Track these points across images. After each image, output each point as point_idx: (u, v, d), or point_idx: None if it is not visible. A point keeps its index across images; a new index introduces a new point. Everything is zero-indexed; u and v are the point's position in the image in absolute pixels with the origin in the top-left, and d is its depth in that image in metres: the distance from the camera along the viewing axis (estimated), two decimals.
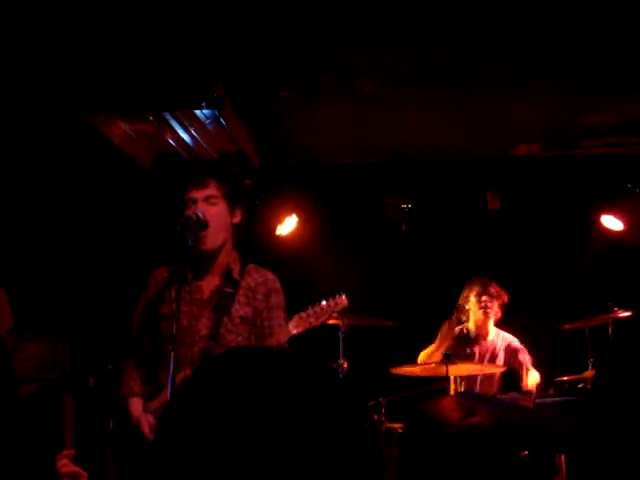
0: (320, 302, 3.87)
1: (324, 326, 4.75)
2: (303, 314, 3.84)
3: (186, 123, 5.78)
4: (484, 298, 6.06)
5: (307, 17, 4.70)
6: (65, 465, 2.19)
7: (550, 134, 6.55)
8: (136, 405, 3.80)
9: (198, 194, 3.74)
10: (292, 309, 3.96)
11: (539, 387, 5.72)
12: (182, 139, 6.07)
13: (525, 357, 5.94)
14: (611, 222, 6.70)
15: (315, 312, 3.86)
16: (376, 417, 5.44)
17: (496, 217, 7.03)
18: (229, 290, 3.81)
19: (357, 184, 7.14)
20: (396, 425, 5.39)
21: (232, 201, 3.84)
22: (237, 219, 3.87)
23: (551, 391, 5.46)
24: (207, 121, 5.72)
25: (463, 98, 5.82)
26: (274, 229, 7.10)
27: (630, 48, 5.00)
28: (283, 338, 3.81)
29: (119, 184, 6.39)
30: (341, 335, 5.50)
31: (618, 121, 6.21)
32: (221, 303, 3.79)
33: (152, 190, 6.60)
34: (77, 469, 2.21)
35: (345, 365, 5.43)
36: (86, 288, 6.22)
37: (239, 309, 3.80)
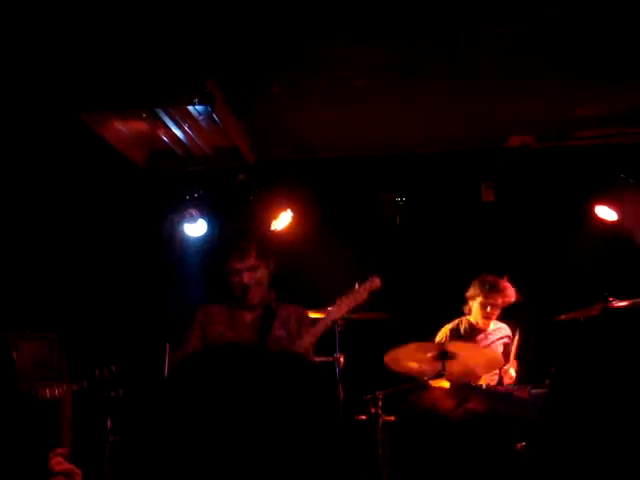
0: (354, 287, 4.73)
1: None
2: (343, 297, 4.69)
3: (179, 120, 5.78)
4: (488, 310, 6.09)
5: (299, 12, 4.69)
6: (59, 463, 2.18)
7: (543, 125, 6.56)
8: None
9: (242, 265, 4.49)
10: (288, 302, 4.23)
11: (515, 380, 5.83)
12: (175, 136, 6.07)
13: (511, 348, 6.02)
14: (605, 212, 6.70)
15: (353, 295, 4.71)
16: (373, 410, 5.44)
17: (490, 209, 7.04)
18: (268, 318, 4.58)
19: (351, 178, 7.14)
20: (393, 418, 5.40)
21: (267, 259, 4.60)
22: (271, 267, 4.63)
23: (547, 382, 5.47)
24: (200, 117, 5.72)
25: (456, 90, 5.82)
26: (269, 224, 7.10)
27: (621, 39, 5.01)
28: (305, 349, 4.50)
29: (113, 182, 6.39)
30: (337, 329, 5.51)
31: (611, 112, 6.22)
32: (263, 327, 4.54)
33: (146, 187, 6.60)
34: (71, 466, 2.21)
35: (342, 359, 5.44)
36: (81, 286, 6.22)
37: (275, 331, 4.55)
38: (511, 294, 6.07)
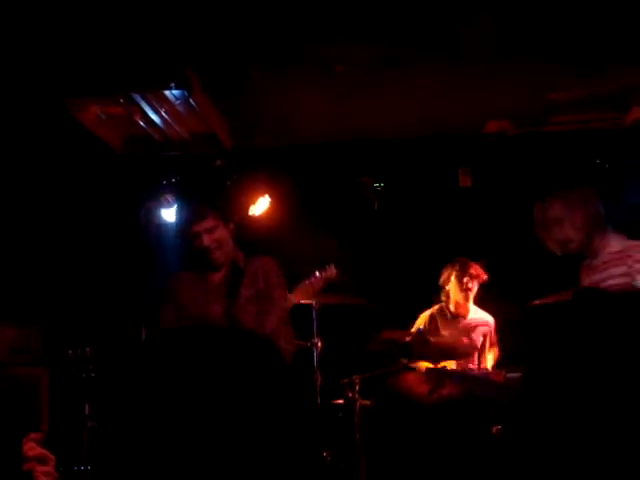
0: (314, 273, 4.83)
1: (297, 305, 4.80)
2: (301, 287, 4.76)
3: (156, 105, 5.76)
4: (465, 279, 6.11)
5: None
6: (32, 448, 2.17)
7: (520, 111, 6.58)
8: None
9: (199, 227, 4.43)
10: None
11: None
12: (153, 121, 6.04)
13: (491, 337, 6.06)
14: None
15: (311, 283, 4.81)
16: (350, 395, 5.47)
17: (467, 194, 7.06)
18: (236, 278, 4.51)
19: (329, 164, 7.14)
20: (369, 402, 5.42)
21: (226, 220, 4.56)
22: (232, 227, 4.59)
23: (523, 366, 5.51)
24: (177, 102, 5.70)
25: (434, 76, 5.83)
26: (247, 210, 7.09)
27: (597, 24, 5.03)
28: (277, 316, 4.49)
29: (90, 167, 6.36)
30: (315, 314, 5.52)
31: (587, 97, 6.25)
32: (231, 289, 4.47)
33: (123, 173, 6.58)
34: (44, 452, 2.19)
35: (319, 344, 5.46)
36: (59, 271, 6.20)
37: (244, 292, 4.48)
38: (482, 272, 6.14)
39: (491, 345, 6.08)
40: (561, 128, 6.70)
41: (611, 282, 3.90)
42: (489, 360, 5.99)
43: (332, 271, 4.87)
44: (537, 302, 5.76)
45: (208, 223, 4.47)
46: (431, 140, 6.98)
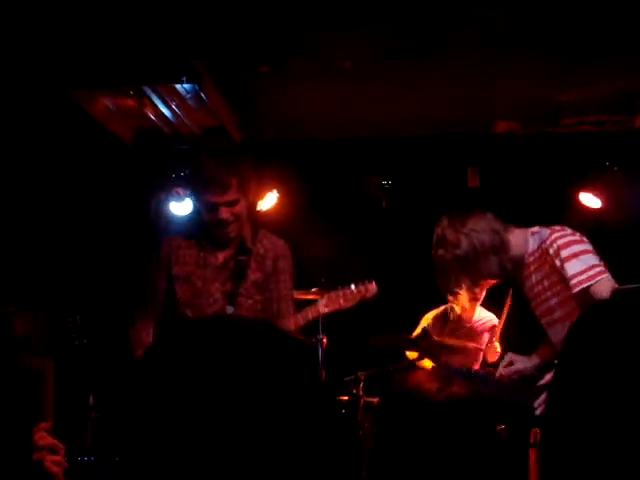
0: (349, 286, 4.24)
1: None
2: (333, 294, 4.20)
3: (167, 98, 5.76)
4: (477, 290, 6.09)
5: None
6: (42, 438, 2.19)
7: (529, 111, 6.57)
8: None
9: (220, 199, 3.93)
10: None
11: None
12: (163, 114, 6.05)
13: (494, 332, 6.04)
14: (589, 200, 6.73)
15: (345, 294, 4.24)
16: (355, 391, 5.47)
17: (476, 194, 7.05)
18: (243, 258, 4.05)
19: (338, 160, 7.14)
20: (375, 399, 5.43)
21: (248, 191, 4.07)
22: (251, 199, 4.19)
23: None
24: (188, 96, 5.70)
25: (444, 75, 5.83)
26: (255, 204, 7.10)
27: (608, 25, 5.02)
28: (286, 307, 4.13)
29: (100, 159, 6.37)
30: None
31: (597, 98, 6.25)
32: (237, 270, 4.03)
33: (133, 165, 6.59)
34: (54, 441, 2.21)
35: (324, 340, 5.46)
36: (67, 262, 6.21)
37: (251, 275, 4.05)
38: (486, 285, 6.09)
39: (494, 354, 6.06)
40: (570, 129, 6.69)
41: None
42: (495, 347, 5.94)
43: (372, 289, 4.33)
44: None
45: (230, 196, 3.96)
46: (441, 138, 6.97)
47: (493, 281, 6.10)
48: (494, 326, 6.14)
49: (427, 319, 6.22)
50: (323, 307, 4.16)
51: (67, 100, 5.57)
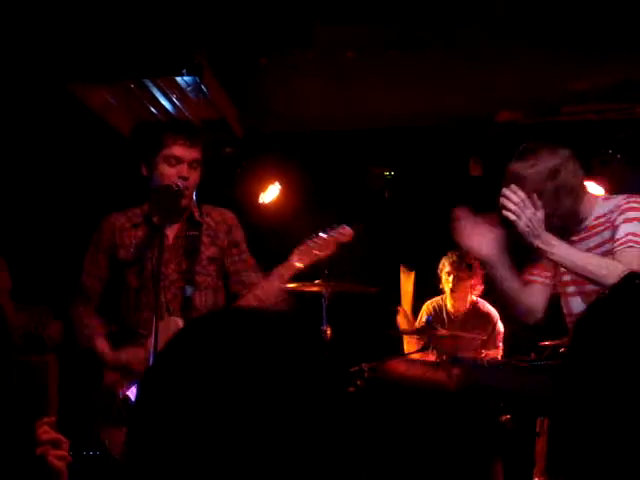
0: (319, 234, 3.79)
1: (307, 293, 4.78)
2: (304, 247, 3.76)
3: (167, 90, 5.75)
4: (451, 278, 6.08)
5: None
6: (46, 432, 2.18)
7: (531, 101, 6.55)
8: (104, 344, 3.68)
9: (186, 154, 3.65)
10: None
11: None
12: (163, 107, 6.04)
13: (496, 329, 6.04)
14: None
15: (317, 244, 3.78)
16: (359, 383, 5.46)
17: (478, 183, 7.04)
18: (194, 233, 3.77)
19: (340, 152, 7.13)
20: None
21: (202, 164, 3.78)
22: (201, 171, 3.80)
23: (533, 355, 5.50)
24: (188, 88, 5.69)
25: (445, 65, 5.81)
26: (256, 197, 7.09)
27: (610, 14, 5.00)
28: (254, 275, 3.86)
29: (99, 151, 6.35)
30: (324, 302, 5.51)
31: (599, 87, 6.23)
32: (189, 247, 3.75)
33: (132, 157, 6.57)
34: (58, 436, 2.20)
35: (329, 331, 5.45)
36: (65, 257, 6.20)
37: (205, 250, 3.78)
38: (478, 272, 6.07)
39: (496, 337, 6.07)
40: (573, 118, 6.67)
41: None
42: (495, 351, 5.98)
43: (346, 231, 3.84)
44: None
45: (195, 153, 3.68)
46: (442, 129, 6.96)
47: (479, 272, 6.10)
48: (491, 317, 6.12)
49: (427, 308, 6.23)
50: (297, 262, 3.75)
51: (65, 93, 5.56)
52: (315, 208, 6.93)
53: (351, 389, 5.52)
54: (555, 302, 5.85)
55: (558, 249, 3.19)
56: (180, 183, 3.62)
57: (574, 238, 3.40)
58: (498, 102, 6.61)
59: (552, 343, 5.61)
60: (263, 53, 5.58)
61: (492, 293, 6.18)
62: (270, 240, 4.88)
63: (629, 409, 1.09)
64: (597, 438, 1.12)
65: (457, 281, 6.08)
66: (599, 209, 3.36)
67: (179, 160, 3.64)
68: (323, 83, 6.15)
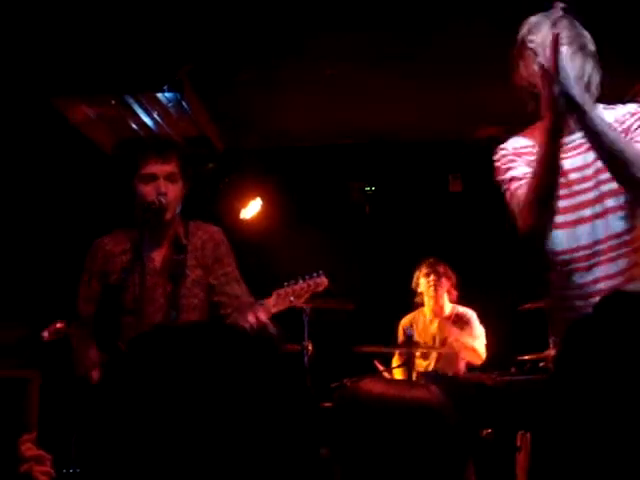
0: (297, 280, 3.82)
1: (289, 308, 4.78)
2: (281, 291, 3.78)
3: (148, 107, 5.75)
4: (432, 277, 6.12)
5: (267, 2, 4.71)
6: (29, 449, 2.18)
7: (510, 116, 6.59)
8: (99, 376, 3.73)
9: (160, 169, 3.64)
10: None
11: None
12: (145, 123, 6.04)
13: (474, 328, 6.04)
14: None
15: (294, 291, 3.82)
16: (337, 399, 5.46)
17: (458, 199, 7.09)
18: (180, 257, 3.75)
19: (320, 167, 7.16)
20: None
21: (186, 176, 3.75)
22: (186, 190, 3.79)
23: (513, 370, 5.53)
24: (169, 104, 5.70)
25: (425, 80, 5.85)
26: (238, 213, 7.10)
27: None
28: (239, 288, 3.83)
29: (81, 167, 6.34)
30: (305, 318, 5.52)
31: None
32: (174, 271, 3.74)
33: (114, 173, 6.57)
34: (41, 452, 2.20)
35: (310, 347, 5.46)
36: (45, 271, 6.18)
37: (190, 273, 3.77)
38: (449, 270, 6.14)
39: (475, 337, 6.04)
40: None
41: None
42: (478, 346, 5.95)
43: (322, 281, 3.90)
44: (527, 306, 5.78)
45: (170, 167, 3.66)
46: (422, 144, 7.00)
47: (450, 272, 6.12)
48: (467, 317, 6.13)
49: (404, 323, 6.24)
50: (273, 307, 3.75)
51: (49, 108, 5.55)
52: (296, 223, 6.95)
53: (330, 404, 5.54)
54: (534, 317, 5.89)
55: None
56: (161, 199, 3.61)
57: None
58: (478, 118, 6.66)
59: (531, 357, 5.64)
60: (244, 69, 5.61)
61: (466, 298, 6.24)
62: (251, 255, 4.88)
63: (614, 426, 1.11)
64: (581, 454, 1.13)
65: (436, 279, 6.11)
66: (610, 114, 2.83)
67: (154, 177, 3.64)
68: (304, 99, 6.18)
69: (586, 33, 2.91)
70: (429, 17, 4.91)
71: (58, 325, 4.78)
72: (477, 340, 5.98)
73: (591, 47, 2.89)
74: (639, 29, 5.00)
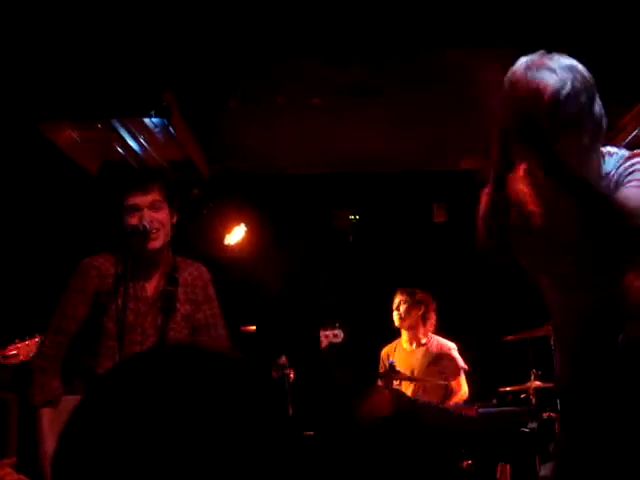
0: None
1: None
2: None
3: (135, 131, 5.76)
4: (402, 309, 6.09)
5: (257, 29, 4.74)
6: (8, 474, 2.17)
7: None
8: (48, 417, 3.57)
9: (142, 200, 3.64)
10: (241, 318, 3.95)
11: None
12: (131, 147, 6.05)
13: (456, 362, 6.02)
14: None
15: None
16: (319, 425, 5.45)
17: (442, 229, 7.11)
18: (171, 289, 3.76)
19: (305, 195, 7.18)
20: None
21: (172, 204, 3.75)
22: (174, 220, 3.79)
23: (494, 401, 5.54)
24: (156, 129, 5.71)
25: (411, 111, 5.89)
26: (222, 238, 7.10)
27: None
28: (222, 331, 3.84)
29: (66, 190, 6.33)
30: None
31: None
32: (167, 303, 3.75)
33: (98, 196, 6.57)
34: (20, 476, 2.19)
35: (292, 375, 5.45)
36: (29, 292, 6.15)
37: (180, 307, 3.77)
38: (427, 297, 6.11)
39: (456, 370, 6.03)
40: None
41: None
42: (462, 384, 5.94)
43: (339, 336, 4.19)
44: (510, 337, 5.80)
45: (152, 196, 3.66)
46: (407, 174, 7.04)
47: (429, 299, 6.11)
48: (449, 350, 6.10)
49: (385, 353, 6.22)
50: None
51: (34, 131, 5.55)
52: (280, 250, 6.96)
53: (311, 433, 5.52)
54: (516, 348, 5.90)
55: None
56: (145, 224, 3.60)
57: None
58: (462, 148, 6.70)
59: (513, 389, 5.65)
60: (231, 96, 5.63)
61: (448, 329, 6.23)
62: (235, 281, 4.88)
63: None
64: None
65: (409, 307, 6.06)
66: (608, 165, 2.59)
67: (137, 208, 3.64)
68: (290, 127, 6.20)
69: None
70: (413, 50, 4.96)
71: (12, 351, 4.68)
72: (459, 378, 5.95)
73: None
74: (620, 67, 5.06)
